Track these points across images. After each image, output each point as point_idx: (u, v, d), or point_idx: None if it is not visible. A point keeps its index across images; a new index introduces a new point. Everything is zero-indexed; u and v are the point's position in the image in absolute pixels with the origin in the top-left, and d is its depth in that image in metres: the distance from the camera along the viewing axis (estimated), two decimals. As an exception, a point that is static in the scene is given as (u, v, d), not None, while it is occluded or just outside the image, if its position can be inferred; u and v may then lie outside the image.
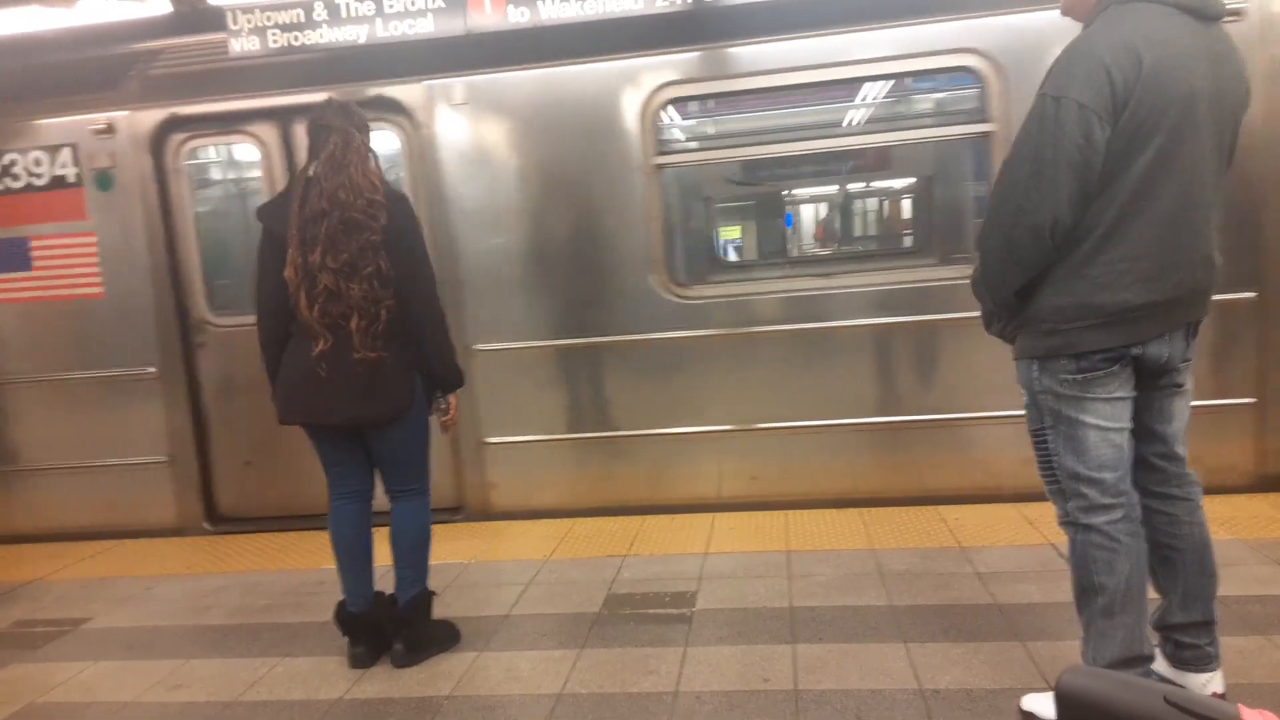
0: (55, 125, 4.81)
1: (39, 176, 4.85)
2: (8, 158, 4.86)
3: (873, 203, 10.83)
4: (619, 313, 4.53)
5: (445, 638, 3.23)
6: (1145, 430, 2.29)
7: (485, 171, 4.55)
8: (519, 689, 2.89)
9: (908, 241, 8.97)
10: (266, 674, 3.15)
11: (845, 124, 6.03)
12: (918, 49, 4.20)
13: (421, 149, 4.59)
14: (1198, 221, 2.13)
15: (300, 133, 4.69)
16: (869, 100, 5.76)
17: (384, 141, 4.89)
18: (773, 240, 9.20)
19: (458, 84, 4.51)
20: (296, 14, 4.58)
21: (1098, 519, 2.21)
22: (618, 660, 3.02)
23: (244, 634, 3.52)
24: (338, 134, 2.89)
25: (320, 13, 4.56)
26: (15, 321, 4.97)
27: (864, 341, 4.43)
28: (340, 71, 4.58)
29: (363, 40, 4.55)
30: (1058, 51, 2.14)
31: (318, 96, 4.51)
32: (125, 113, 4.75)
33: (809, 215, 11.47)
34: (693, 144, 5.88)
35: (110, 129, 4.75)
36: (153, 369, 4.87)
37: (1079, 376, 2.17)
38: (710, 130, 6.15)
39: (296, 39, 4.61)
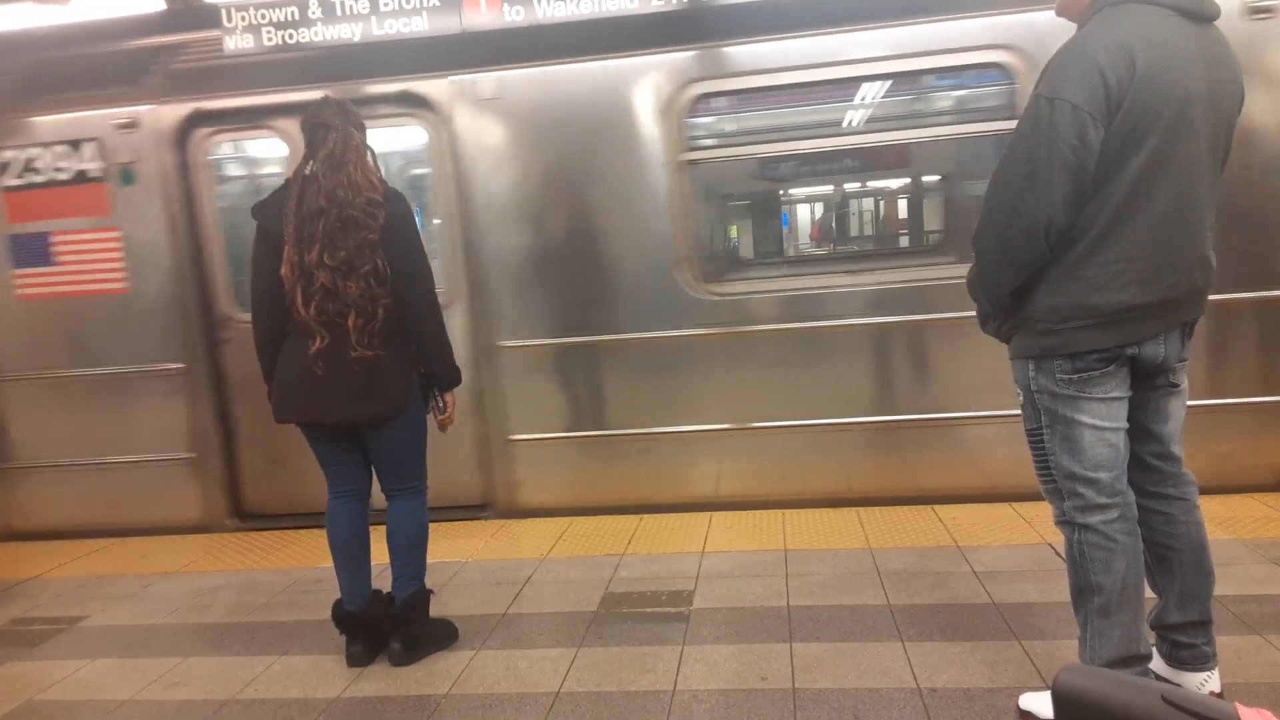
0: (78, 120, 4.79)
1: (62, 171, 4.82)
2: (31, 152, 4.83)
3: (902, 199, 10.80)
4: (646, 309, 4.51)
5: (443, 636, 3.23)
6: (1141, 430, 2.29)
7: (512, 167, 4.53)
8: (517, 687, 2.89)
9: (934, 239, 8.96)
10: (264, 672, 3.15)
11: (875, 120, 5.97)
12: (949, 45, 4.17)
13: (448, 144, 4.56)
14: (1193, 222, 2.13)
15: None
16: (899, 96, 5.71)
17: (410, 137, 4.89)
18: (801, 236, 9.15)
19: (485, 79, 4.49)
20: (290, 11, 4.57)
21: (1094, 518, 2.22)
22: (615, 659, 3.02)
23: (241, 632, 3.52)
24: (337, 132, 2.88)
25: (315, 10, 4.56)
26: (38, 317, 4.94)
27: (897, 338, 4.40)
28: (366, 66, 4.55)
29: (358, 39, 4.55)
30: None
31: (342, 92, 4.52)
32: (149, 107, 4.73)
33: (837, 212, 11.40)
34: (722, 140, 5.82)
35: (134, 124, 4.73)
36: (178, 365, 4.85)
37: (1075, 376, 2.18)
38: (739, 126, 6.13)
39: (290, 37, 4.60)
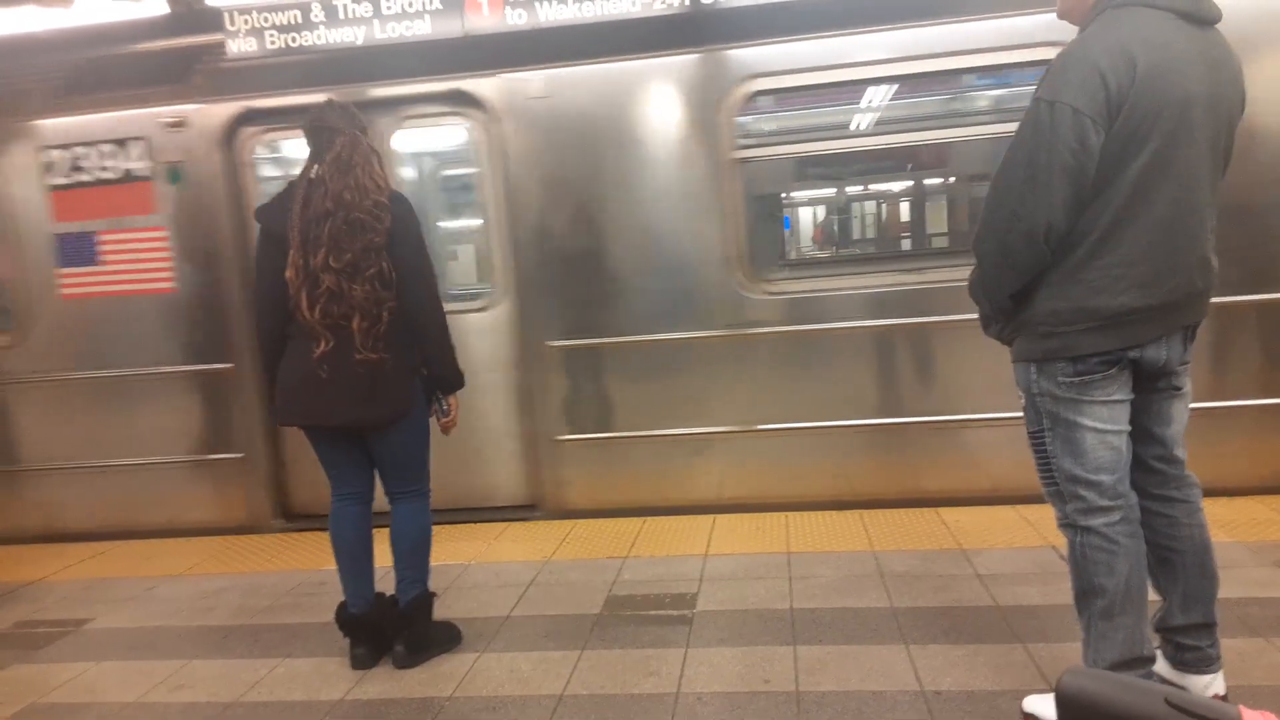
0: (126, 118, 4.78)
1: (109, 170, 4.81)
2: (77, 151, 4.82)
3: (958, 197, 10.70)
4: (697, 308, 4.49)
5: (446, 639, 3.24)
6: (1144, 433, 2.29)
7: (561, 165, 4.51)
8: (520, 690, 2.89)
9: None
10: (268, 675, 3.16)
11: (927, 118, 5.93)
12: (1003, 43, 4.12)
13: (498, 144, 4.55)
14: (1194, 225, 2.13)
15: (376, 127, 4.65)
16: (956, 93, 5.68)
17: (459, 136, 4.89)
18: (855, 235, 9.10)
19: (536, 77, 4.48)
20: (294, 15, 4.58)
21: (1096, 521, 2.22)
22: (619, 661, 3.02)
23: (245, 635, 3.53)
24: (344, 136, 2.89)
25: (318, 13, 4.57)
26: (82, 316, 4.92)
27: (948, 338, 4.36)
28: (414, 65, 4.54)
29: (360, 42, 4.56)
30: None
31: (390, 90, 4.58)
32: (197, 106, 4.72)
33: (890, 210, 11.28)
34: (774, 138, 5.76)
35: (182, 122, 4.72)
36: (225, 365, 4.85)
37: (1076, 379, 2.18)
38: (792, 124, 6.03)
39: (294, 40, 4.61)
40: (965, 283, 2.36)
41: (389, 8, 4.52)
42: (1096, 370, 2.16)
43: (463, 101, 4.57)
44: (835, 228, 9.45)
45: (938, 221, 10.36)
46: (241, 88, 4.69)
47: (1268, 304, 4.11)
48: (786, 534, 4.16)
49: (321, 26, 4.58)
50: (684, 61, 4.39)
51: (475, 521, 4.73)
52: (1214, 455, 3.81)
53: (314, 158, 2.95)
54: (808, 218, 9.25)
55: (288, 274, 2.88)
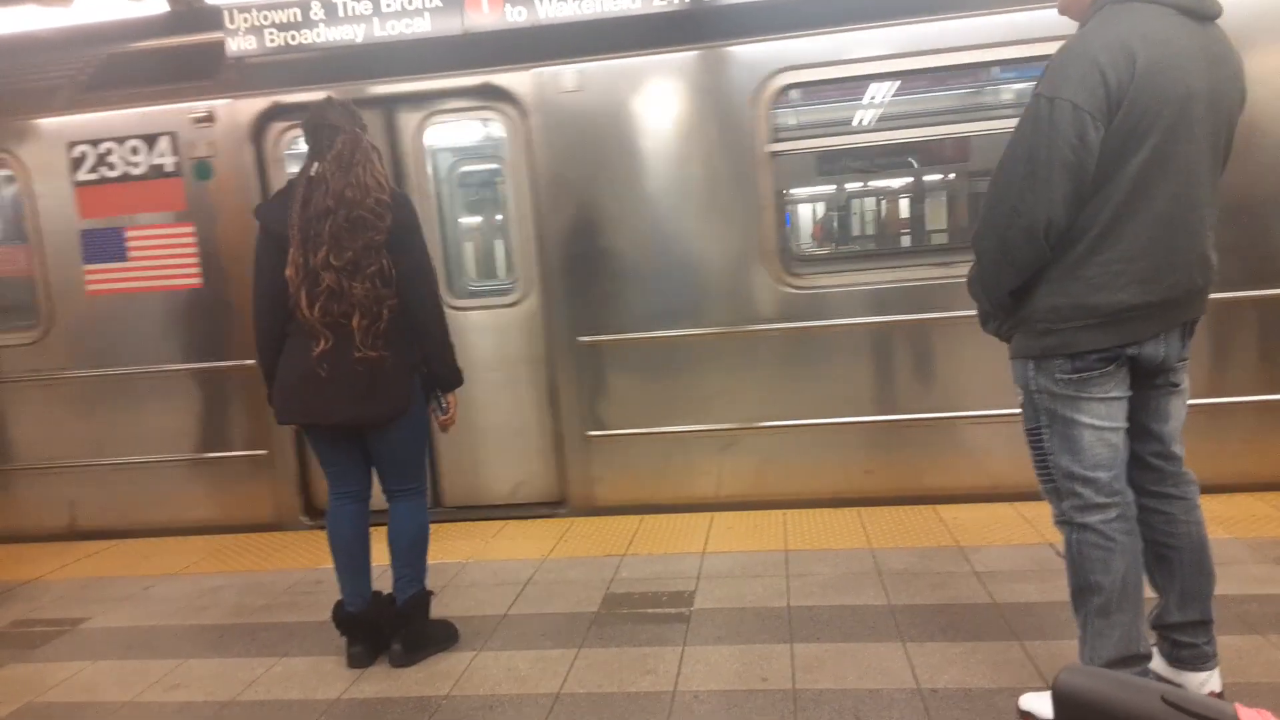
0: (153, 114, 4.75)
1: (136, 166, 4.78)
2: (104, 147, 4.78)
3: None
4: (729, 303, 4.46)
5: (443, 637, 3.23)
6: (1142, 429, 2.29)
7: (594, 160, 4.48)
8: (517, 688, 2.89)
9: None
10: (264, 674, 3.15)
11: (969, 110, 5.86)
12: (1051, 33, 4.08)
13: (529, 137, 4.52)
14: (1193, 222, 2.13)
15: (406, 122, 4.68)
16: (995, 86, 5.62)
17: (491, 130, 4.86)
18: (888, 228, 9.06)
19: (568, 71, 4.45)
20: (293, 13, 4.57)
21: (1093, 518, 2.21)
22: (616, 660, 3.02)
23: (242, 634, 3.52)
24: (345, 134, 2.89)
25: (316, 12, 4.56)
26: (109, 313, 4.90)
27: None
28: (445, 60, 4.52)
29: (359, 40, 4.55)
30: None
31: (421, 85, 4.56)
32: (226, 101, 4.69)
33: (924, 203, 11.23)
34: (809, 131, 5.68)
35: (210, 117, 4.69)
36: (252, 361, 4.84)
37: (1074, 376, 2.18)
38: (827, 116, 5.96)
39: (293, 38, 4.60)
40: None
41: (345, 11, 4.51)
42: (1094, 367, 2.16)
43: (493, 96, 4.55)
44: (868, 221, 9.40)
45: (974, 215, 10.27)
46: (270, 82, 4.65)
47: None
48: (784, 532, 4.16)
49: (321, 24, 4.56)
50: (717, 54, 4.35)
51: (503, 518, 4.71)
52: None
53: (314, 155, 2.94)
54: (840, 212, 9.21)
55: (288, 272, 2.87)
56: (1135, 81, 2.00)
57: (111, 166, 4.79)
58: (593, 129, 4.46)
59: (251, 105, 4.69)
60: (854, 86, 4.78)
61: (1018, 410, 2.40)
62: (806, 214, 7.16)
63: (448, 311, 4.66)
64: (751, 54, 4.32)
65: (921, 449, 4.43)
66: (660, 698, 2.74)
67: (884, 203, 9.08)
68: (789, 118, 5.29)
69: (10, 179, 4.98)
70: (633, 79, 4.42)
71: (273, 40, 4.61)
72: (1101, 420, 2.19)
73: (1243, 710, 0.79)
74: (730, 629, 3.18)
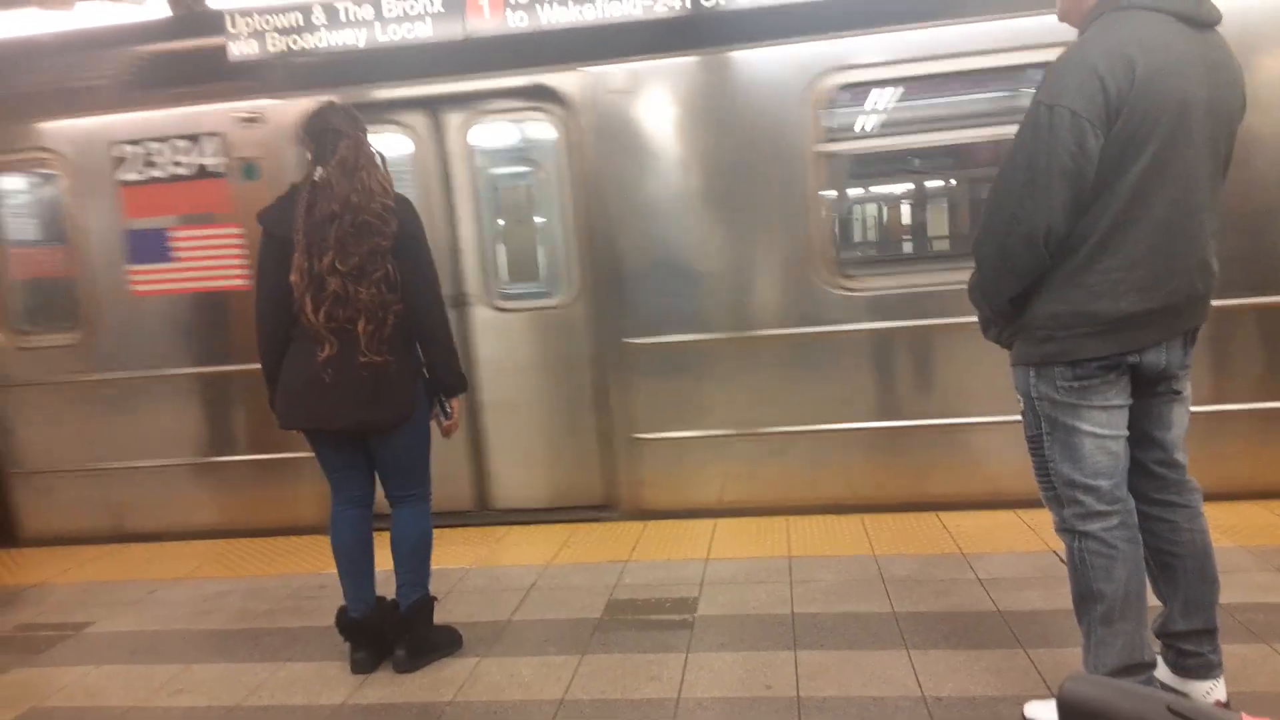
0: (200, 114, 4.74)
1: (183, 166, 4.77)
2: (150, 147, 4.78)
3: None
4: (780, 305, 4.43)
5: (447, 643, 3.24)
6: (1144, 437, 2.29)
7: (643, 161, 4.46)
8: (521, 695, 2.89)
9: None
10: (268, 679, 3.16)
11: (1019, 111, 5.79)
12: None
13: (578, 138, 4.51)
14: (1193, 229, 2.13)
15: (452, 122, 4.68)
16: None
17: (538, 131, 4.85)
18: (941, 231, 9.02)
19: (617, 71, 4.43)
20: (294, 18, 4.59)
21: (1094, 526, 2.21)
22: (620, 666, 3.02)
23: (246, 639, 3.53)
24: (348, 139, 2.90)
25: (318, 16, 4.58)
26: (153, 313, 4.89)
27: None
28: (495, 59, 4.50)
29: (361, 44, 4.56)
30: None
31: (468, 85, 4.55)
32: (274, 101, 4.67)
33: (977, 206, 11.15)
34: (861, 131, 5.62)
35: (258, 118, 4.68)
36: None
37: (1075, 384, 2.18)
38: (880, 117, 5.88)
39: (295, 43, 4.62)
40: None
41: (347, 16, 4.51)
42: (1095, 375, 2.16)
43: (542, 96, 4.54)
44: (922, 222, 9.38)
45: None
46: (317, 82, 4.63)
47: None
48: (787, 538, 4.16)
49: (323, 29, 4.57)
50: (768, 54, 4.32)
51: (549, 522, 4.69)
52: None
53: (317, 160, 2.95)
54: (891, 212, 9.17)
55: (292, 278, 2.88)
56: (1134, 89, 2.00)
57: (156, 166, 4.79)
58: (641, 129, 4.45)
59: (300, 106, 4.63)
60: (907, 86, 4.74)
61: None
62: (858, 215, 7.08)
63: (495, 313, 4.77)
64: (802, 53, 4.29)
65: (983, 453, 4.37)
66: (664, 705, 2.74)
67: (937, 204, 9.05)
68: (840, 118, 5.26)
69: (53, 179, 4.98)
70: (683, 78, 4.40)
71: (274, 45, 4.63)
72: (1102, 428, 2.19)
73: (1248, 720, 0.80)
74: (734, 636, 3.18)
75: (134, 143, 4.79)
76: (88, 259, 4.89)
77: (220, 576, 4.31)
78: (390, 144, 4.92)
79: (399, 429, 3.01)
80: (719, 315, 4.48)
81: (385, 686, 3.03)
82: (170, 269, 4.83)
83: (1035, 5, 4.06)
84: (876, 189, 7.37)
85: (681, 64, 4.40)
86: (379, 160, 2.97)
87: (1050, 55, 4.13)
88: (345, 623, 3.15)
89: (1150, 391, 2.25)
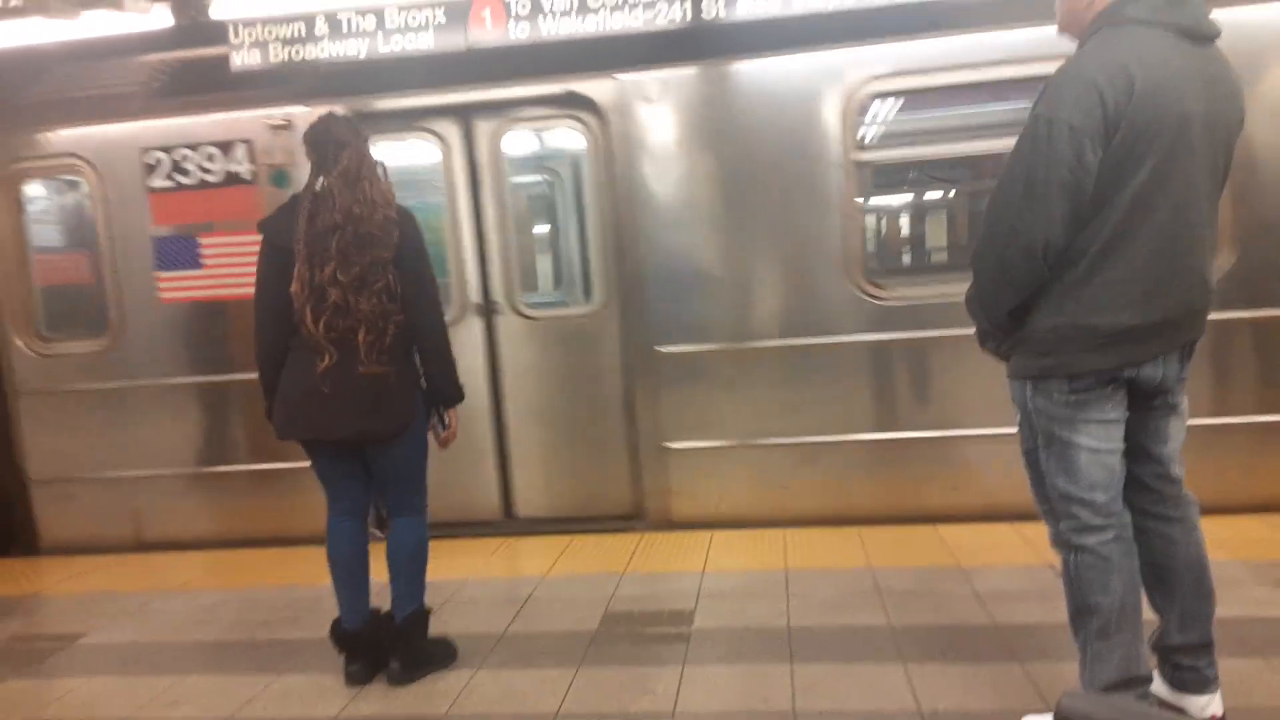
0: (229, 121, 4.74)
1: (212, 173, 4.77)
2: (179, 154, 4.78)
3: None
4: (812, 314, 4.41)
5: (442, 655, 3.22)
6: (1140, 450, 2.29)
7: (676, 168, 4.46)
8: (516, 708, 2.88)
9: None
10: (263, 691, 3.14)
11: None
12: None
13: (610, 145, 4.51)
14: (1192, 243, 2.14)
15: (483, 130, 4.67)
16: None
17: (569, 139, 4.85)
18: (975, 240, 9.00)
19: (651, 79, 4.44)
20: (297, 28, 4.61)
21: (1089, 539, 2.21)
22: (615, 679, 3.01)
23: (240, 650, 3.51)
24: (350, 149, 2.90)
25: (320, 27, 4.60)
26: (181, 320, 4.88)
27: None
28: (527, 67, 4.50)
29: (364, 55, 4.58)
30: None
31: (501, 93, 4.55)
32: (304, 108, 4.65)
33: None
34: (897, 139, 5.58)
35: (288, 124, 4.65)
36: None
37: (1073, 398, 2.18)
38: (915, 126, 5.83)
39: (297, 53, 4.63)
40: None
41: (349, 27, 4.52)
42: (1093, 389, 2.16)
43: (574, 104, 4.54)
44: (957, 232, 9.40)
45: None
46: (347, 90, 4.64)
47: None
48: (784, 551, 4.15)
49: (325, 40, 4.58)
50: (803, 61, 4.33)
51: (576, 532, 4.65)
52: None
53: (318, 170, 2.96)
54: (925, 221, 9.19)
55: (293, 288, 2.88)
56: (1133, 103, 2.01)
57: (186, 173, 4.79)
58: (674, 137, 4.45)
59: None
60: (943, 94, 4.75)
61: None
62: (893, 223, 7.09)
63: (522, 321, 4.77)
64: (837, 61, 4.29)
65: (1014, 464, 4.36)
66: (660, 718, 2.73)
67: (973, 213, 9.08)
68: (875, 125, 5.24)
69: (81, 186, 4.98)
70: (716, 85, 4.41)
71: (276, 55, 4.65)
72: (1099, 442, 2.19)
73: (1243, 737, 0.80)
74: (730, 649, 3.17)
75: (164, 149, 4.80)
76: (115, 265, 4.89)
77: (216, 587, 4.29)
78: (419, 152, 4.96)
79: (398, 439, 3.01)
80: (752, 324, 4.46)
81: (380, 699, 3.01)
82: (199, 276, 4.82)
83: None
84: (912, 198, 7.37)
85: (715, 71, 4.40)
86: (381, 171, 2.98)
87: None
88: (340, 634, 3.13)
89: (1147, 405, 2.26)
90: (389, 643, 3.11)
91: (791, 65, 4.35)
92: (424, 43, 4.53)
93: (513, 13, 4.43)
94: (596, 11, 4.35)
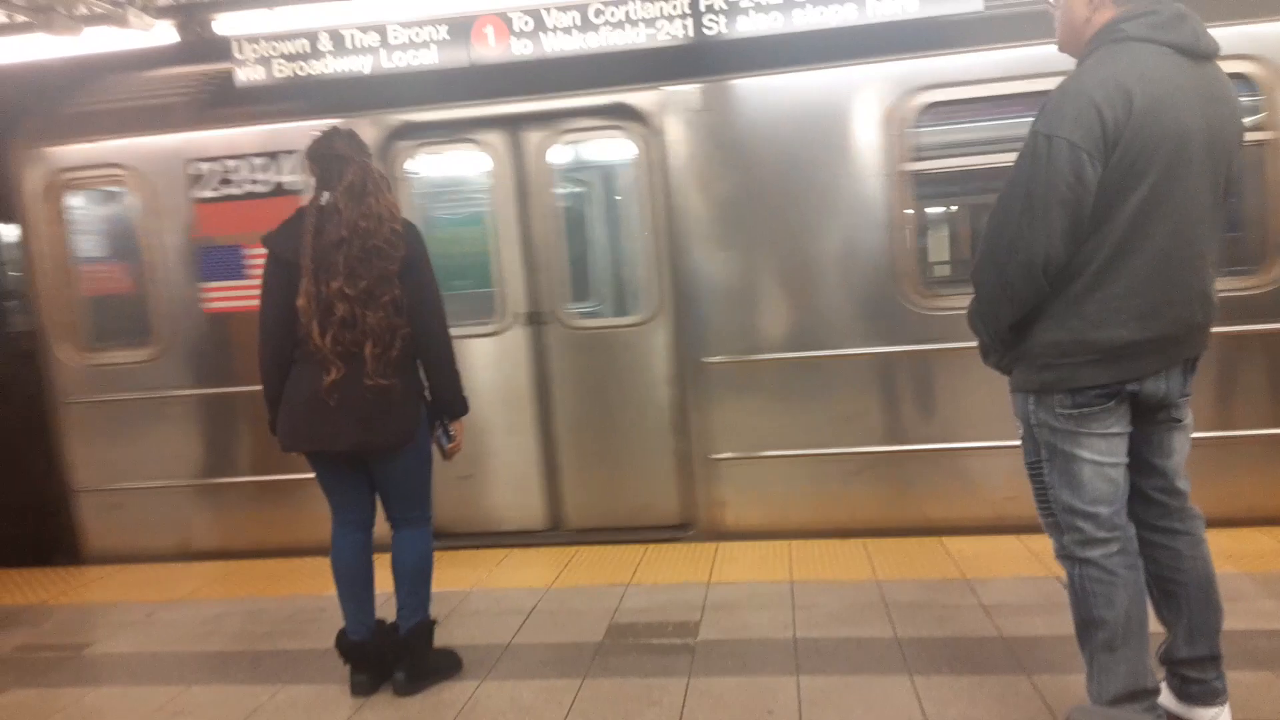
0: (276, 132, 4.75)
1: (260, 184, 4.79)
2: (227, 164, 4.80)
3: None
4: (860, 324, 4.41)
5: (447, 666, 3.22)
6: (1145, 464, 2.29)
7: (723, 179, 4.47)
8: (521, 719, 2.87)
9: None
10: (267, 701, 3.14)
11: None
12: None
13: (658, 157, 4.53)
14: (1193, 259, 2.14)
15: (531, 141, 4.69)
16: None
17: (617, 150, 4.87)
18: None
19: (697, 90, 4.47)
20: (301, 44, 4.64)
21: (1094, 553, 2.21)
22: (620, 691, 3.00)
23: (245, 661, 3.51)
24: (355, 164, 2.93)
25: (324, 43, 4.63)
26: (225, 331, 4.88)
27: None
28: (574, 79, 4.52)
29: (367, 71, 4.61)
30: None
31: (549, 105, 4.57)
32: (353, 118, 4.61)
33: None
34: (947, 150, 5.44)
35: None
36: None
37: (1075, 411, 2.18)
38: (966, 136, 5.74)
39: (301, 69, 4.66)
40: None
41: (353, 43, 4.56)
42: (1095, 403, 2.16)
43: (623, 115, 4.56)
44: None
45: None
46: (396, 101, 4.66)
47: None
48: (789, 562, 4.14)
49: (329, 55, 4.61)
50: (852, 73, 4.34)
51: (624, 543, 4.64)
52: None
53: (322, 185, 2.98)
54: (976, 232, 9.18)
55: (299, 302, 2.90)
56: (1132, 120, 2.03)
57: (232, 184, 4.81)
58: (723, 148, 4.46)
59: (380, 123, 4.68)
60: (994, 106, 4.77)
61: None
62: (943, 235, 7.08)
63: (570, 332, 4.77)
64: (888, 72, 4.31)
65: None
66: (665, 730, 2.73)
67: None
68: (926, 136, 5.31)
69: (128, 196, 5.01)
70: (766, 97, 4.42)
71: (280, 71, 4.68)
72: (1102, 455, 2.19)
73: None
74: (736, 661, 3.16)
75: (210, 160, 4.82)
76: (160, 275, 4.91)
77: (220, 597, 4.29)
78: (467, 163, 4.98)
79: (402, 451, 3.02)
80: (801, 334, 4.46)
81: (385, 710, 3.01)
82: (243, 286, 4.82)
83: None
84: (962, 207, 7.36)
85: (764, 83, 4.41)
86: (385, 185, 3.00)
87: None
88: (345, 645, 3.14)
89: (1150, 419, 2.26)
90: (394, 653, 3.11)
91: (841, 76, 4.36)
92: (428, 59, 4.54)
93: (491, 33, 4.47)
94: (644, 24, 4.38)
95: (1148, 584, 2.28)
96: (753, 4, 4.30)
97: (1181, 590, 2.32)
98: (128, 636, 3.89)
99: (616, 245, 5.98)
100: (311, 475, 2.99)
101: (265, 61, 4.69)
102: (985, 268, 2.22)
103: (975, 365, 4.20)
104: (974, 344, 4.23)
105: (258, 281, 4.33)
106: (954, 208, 7.16)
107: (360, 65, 4.61)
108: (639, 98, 4.51)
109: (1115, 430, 2.20)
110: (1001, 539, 4.21)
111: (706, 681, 3.02)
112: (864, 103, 4.35)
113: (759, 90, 4.43)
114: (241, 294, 4.83)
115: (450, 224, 5.56)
